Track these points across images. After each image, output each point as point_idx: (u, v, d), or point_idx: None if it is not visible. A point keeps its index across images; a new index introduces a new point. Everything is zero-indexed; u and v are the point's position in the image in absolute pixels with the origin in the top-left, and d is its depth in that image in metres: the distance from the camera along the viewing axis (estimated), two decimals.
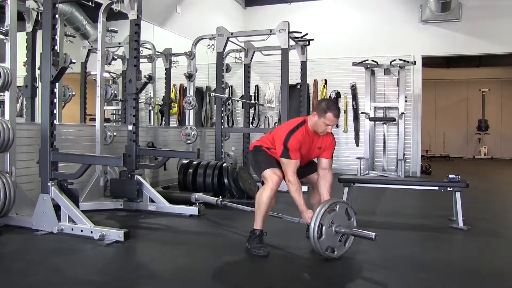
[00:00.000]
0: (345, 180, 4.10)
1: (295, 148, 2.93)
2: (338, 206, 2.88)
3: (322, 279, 2.55)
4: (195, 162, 5.10)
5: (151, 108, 6.66)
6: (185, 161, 5.20)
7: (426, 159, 11.04)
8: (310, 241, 2.78)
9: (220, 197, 4.37)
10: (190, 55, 6.23)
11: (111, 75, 6.14)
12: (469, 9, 7.86)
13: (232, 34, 5.96)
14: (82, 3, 4.55)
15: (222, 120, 6.09)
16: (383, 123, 7.98)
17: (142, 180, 4.33)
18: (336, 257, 2.84)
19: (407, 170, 7.77)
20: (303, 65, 6.62)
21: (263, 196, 2.92)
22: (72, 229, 3.29)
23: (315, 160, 3.22)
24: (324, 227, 2.76)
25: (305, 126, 3.01)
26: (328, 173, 3.12)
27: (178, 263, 2.81)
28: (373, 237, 2.74)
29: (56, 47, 3.46)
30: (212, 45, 6.08)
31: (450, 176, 3.82)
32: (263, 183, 3.04)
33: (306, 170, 3.17)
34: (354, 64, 7.81)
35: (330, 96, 8.27)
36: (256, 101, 7.93)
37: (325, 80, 8.31)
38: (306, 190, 4.71)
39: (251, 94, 7.22)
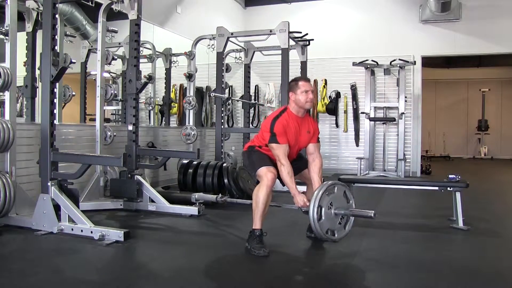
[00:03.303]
0: (345, 180, 4.08)
1: (281, 132, 3.00)
2: (336, 188, 2.91)
3: (322, 279, 2.55)
4: (195, 162, 5.10)
5: (151, 108, 6.66)
6: (185, 161, 5.20)
7: (426, 159, 11.04)
8: (310, 223, 2.80)
9: (220, 194, 4.38)
10: (190, 55, 6.23)
11: (111, 75, 6.14)
12: (469, 9, 7.86)
13: (232, 34, 5.96)
14: (82, 3, 4.55)
15: (222, 120, 6.09)
16: (383, 123, 7.98)
17: (142, 180, 4.33)
18: (337, 240, 2.89)
19: (407, 170, 7.76)
20: (303, 65, 6.62)
21: (260, 194, 2.93)
22: (72, 229, 3.29)
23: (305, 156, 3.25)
24: (323, 209, 2.79)
25: (287, 112, 3.11)
26: (316, 157, 3.16)
27: (178, 263, 2.80)
28: (372, 215, 2.80)
29: (56, 47, 3.46)
30: (212, 45, 6.08)
31: (450, 176, 3.81)
32: (257, 182, 3.06)
33: (298, 165, 3.18)
34: (354, 64, 7.81)
35: (330, 96, 8.29)
36: (256, 101, 7.93)
37: (325, 80, 8.31)
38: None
39: (251, 94, 7.22)
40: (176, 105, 7.20)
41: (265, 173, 2.96)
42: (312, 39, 6.43)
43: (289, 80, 3.24)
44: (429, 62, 9.60)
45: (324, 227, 2.79)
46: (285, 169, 2.95)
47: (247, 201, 3.65)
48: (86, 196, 4.28)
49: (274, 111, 3.21)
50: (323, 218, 2.78)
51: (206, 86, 7.70)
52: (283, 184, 3.13)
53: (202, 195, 4.40)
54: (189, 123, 6.16)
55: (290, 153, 3.09)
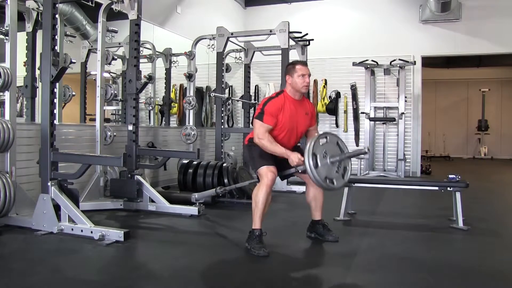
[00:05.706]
0: None
1: (271, 113, 2.99)
2: (328, 137, 2.93)
3: (322, 279, 2.55)
4: (195, 162, 5.10)
5: (151, 108, 6.66)
6: (185, 161, 5.20)
7: (426, 159, 11.04)
8: (308, 174, 2.81)
9: (219, 186, 4.39)
10: (190, 55, 6.23)
11: (111, 75, 6.14)
12: (469, 9, 7.86)
13: (232, 34, 5.96)
14: (82, 3, 4.55)
15: (222, 120, 6.09)
16: (383, 123, 7.98)
17: (142, 180, 4.33)
18: (337, 188, 2.91)
19: (407, 170, 7.76)
20: None
21: (260, 194, 2.93)
22: (72, 229, 3.29)
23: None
24: (318, 156, 2.80)
25: (284, 94, 3.12)
26: (314, 132, 3.24)
27: (178, 263, 2.81)
28: (366, 150, 2.86)
29: (56, 47, 3.46)
30: (212, 45, 6.08)
31: (450, 176, 3.81)
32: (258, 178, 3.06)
33: None
34: (354, 64, 7.81)
35: (330, 97, 8.29)
36: (256, 101, 7.91)
37: (325, 80, 8.31)
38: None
39: (251, 94, 7.22)
40: (176, 105, 7.20)
41: (265, 173, 2.97)
42: (312, 39, 6.43)
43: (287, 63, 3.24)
44: (429, 62, 9.60)
45: (322, 175, 2.80)
46: (266, 141, 2.96)
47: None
48: (86, 196, 4.28)
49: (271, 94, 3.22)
50: (319, 165, 2.79)
51: (206, 86, 7.70)
52: (282, 179, 3.13)
53: (202, 193, 4.39)
54: (189, 123, 6.16)
55: (290, 137, 3.10)
